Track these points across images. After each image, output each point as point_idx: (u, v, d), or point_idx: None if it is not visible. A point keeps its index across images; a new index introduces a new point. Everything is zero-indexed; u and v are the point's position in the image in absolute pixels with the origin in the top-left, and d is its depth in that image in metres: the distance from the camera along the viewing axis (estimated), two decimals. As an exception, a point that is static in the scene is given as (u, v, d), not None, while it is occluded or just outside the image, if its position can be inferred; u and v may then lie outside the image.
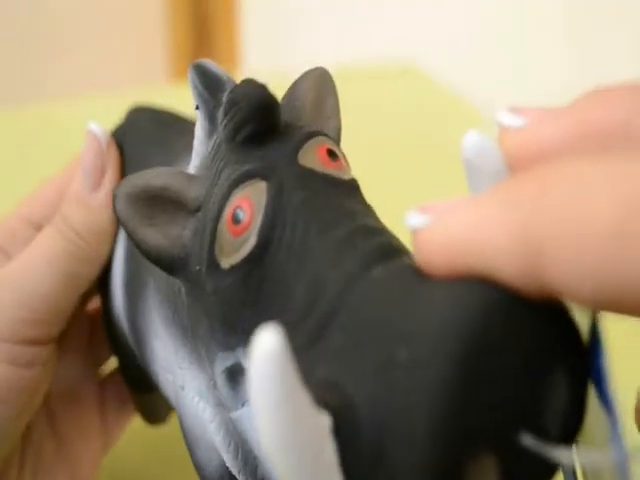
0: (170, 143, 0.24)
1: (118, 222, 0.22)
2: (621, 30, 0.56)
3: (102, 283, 0.25)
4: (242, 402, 0.18)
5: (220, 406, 0.19)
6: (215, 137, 0.18)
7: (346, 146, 0.20)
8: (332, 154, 0.17)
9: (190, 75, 0.19)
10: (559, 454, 0.13)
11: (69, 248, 0.23)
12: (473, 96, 0.61)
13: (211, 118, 0.18)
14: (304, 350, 0.14)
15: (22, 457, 0.25)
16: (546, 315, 0.13)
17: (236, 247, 0.16)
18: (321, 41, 0.95)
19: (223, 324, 0.17)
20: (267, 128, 0.17)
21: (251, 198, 0.16)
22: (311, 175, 0.17)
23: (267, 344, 0.12)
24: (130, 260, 0.23)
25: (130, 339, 0.24)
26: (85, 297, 0.26)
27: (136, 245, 0.18)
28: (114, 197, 0.18)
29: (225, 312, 0.16)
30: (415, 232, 0.14)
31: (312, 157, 0.17)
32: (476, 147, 0.15)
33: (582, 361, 0.14)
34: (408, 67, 0.67)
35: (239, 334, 0.16)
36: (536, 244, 0.12)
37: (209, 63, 0.19)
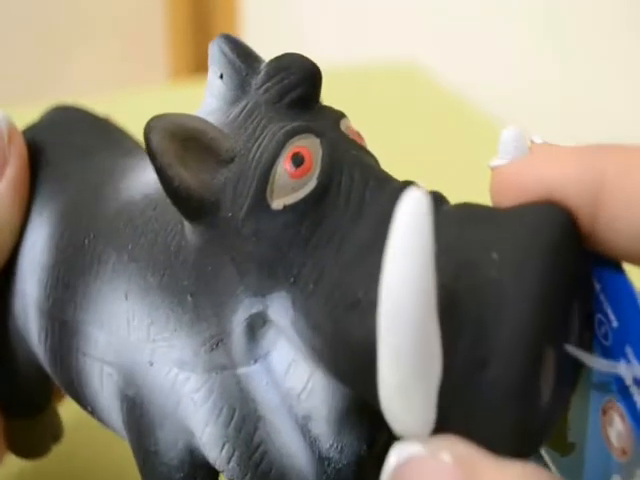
0: (100, 154, 0.24)
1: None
2: (623, 38, 0.56)
3: None
4: (255, 358, 0.18)
5: (212, 371, 0.18)
6: (245, 102, 0.18)
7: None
8: (358, 134, 0.19)
9: (217, 45, 0.19)
10: (593, 360, 0.15)
11: None
12: (473, 96, 0.61)
13: (241, 85, 0.18)
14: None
15: None
16: (583, 253, 0.15)
17: (295, 188, 0.16)
18: (321, 41, 0.95)
19: (261, 267, 0.17)
20: (313, 94, 0.18)
21: (309, 148, 0.17)
22: (353, 141, 0.18)
23: (421, 197, 0.13)
24: (62, 244, 0.22)
25: (40, 344, 0.22)
26: None
27: (166, 181, 0.17)
28: (150, 128, 0.17)
29: (266, 254, 0.17)
30: (495, 167, 0.16)
31: (346, 131, 0.18)
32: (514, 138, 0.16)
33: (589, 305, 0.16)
34: (408, 67, 0.67)
35: (279, 277, 0.16)
36: (599, 179, 0.14)
37: (236, 37, 0.19)
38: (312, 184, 0.16)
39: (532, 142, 0.16)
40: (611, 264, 0.15)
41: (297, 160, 0.17)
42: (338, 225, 0.16)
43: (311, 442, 0.17)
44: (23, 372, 0.24)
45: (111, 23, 1.31)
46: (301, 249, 0.16)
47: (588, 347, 0.16)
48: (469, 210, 0.16)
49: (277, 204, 0.17)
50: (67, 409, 0.28)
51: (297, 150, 0.17)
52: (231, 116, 0.18)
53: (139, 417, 0.19)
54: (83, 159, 0.23)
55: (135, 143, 0.25)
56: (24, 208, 0.23)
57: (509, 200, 0.15)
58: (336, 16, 0.96)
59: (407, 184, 0.16)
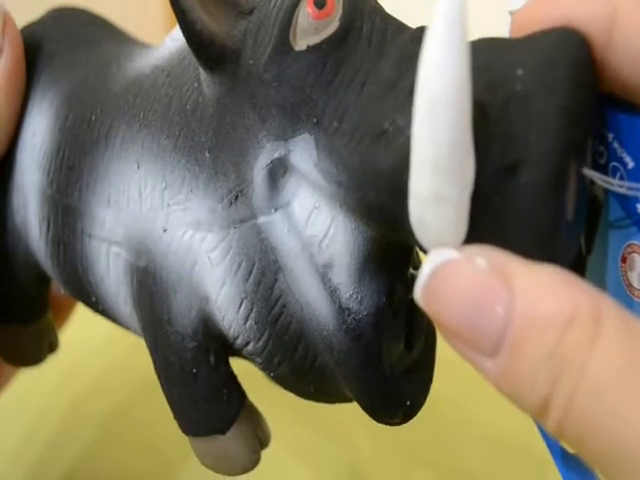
0: (104, 42, 0.23)
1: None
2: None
3: None
4: (276, 207, 0.17)
5: (231, 227, 0.18)
6: None
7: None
8: None
9: None
10: (609, 181, 0.15)
11: None
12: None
13: None
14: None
15: None
16: (597, 87, 0.15)
17: (318, 29, 0.17)
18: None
19: (283, 111, 0.17)
20: None
21: None
22: None
23: None
24: (66, 125, 0.21)
25: (40, 236, 0.22)
26: None
27: (189, 27, 0.17)
28: None
29: (289, 97, 0.17)
30: (515, 10, 0.16)
31: None
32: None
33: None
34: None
35: (301, 118, 0.17)
36: (613, 10, 0.14)
37: None
38: (335, 25, 0.17)
39: None
40: (623, 106, 0.15)
41: (319, 3, 0.17)
42: (361, 65, 0.16)
43: (331, 291, 0.17)
44: (20, 275, 0.24)
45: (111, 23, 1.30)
46: (324, 89, 0.16)
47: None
48: (490, 39, 0.16)
49: (300, 45, 0.17)
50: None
51: None
52: None
53: (151, 285, 0.19)
54: (87, 48, 0.23)
55: (133, 37, 0.25)
56: (19, 100, 0.22)
57: (534, 19, 0.16)
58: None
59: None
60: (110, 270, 0.20)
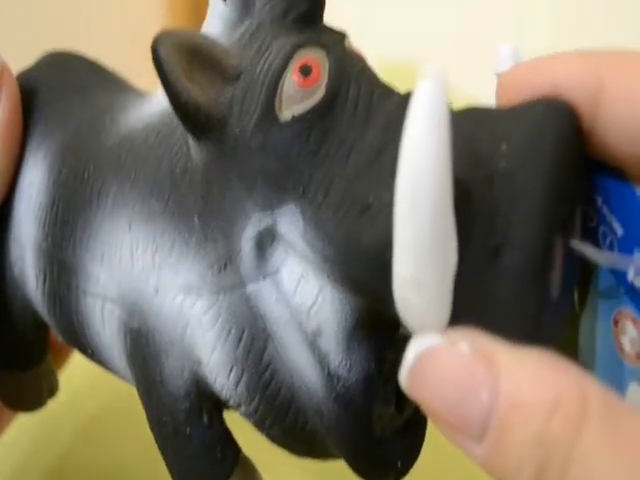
0: (98, 92, 0.23)
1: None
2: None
3: None
4: (265, 274, 0.18)
5: (220, 294, 0.18)
6: (249, 22, 0.18)
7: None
8: (361, 57, 0.19)
9: None
10: (598, 253, 0.15)
11: None
12: (473, 96, 0.61)
13: (245, 5, 0.18)
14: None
15: None
16: (584, 154, 0.15)
17: (304, 97, 0.16)
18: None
19: (269, 181, 0.17)
20: (317, 10, 0.18)
21: (316, 59, 0.17)
22: (357, 56, 0.18)
23: (440, 73, 0.13)
24: (60, 180, 0.21)
25: (36, 288, 0.22)
26: None
27: (174, 98, 0.17)
28: (157, 42, 0.17)
29: (275, 167, 0.16)
30: (500, 73, 0.16)
31: (350, 49, 0.18)
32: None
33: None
34: (408, 67, 0.67)
35: (288, 189, 0.16)
36: (600, 80, 0.14)
37: None
38: (320, 93, 0.17)
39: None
40: (612, 173, 0.15)
41: (305, 70, 0.17)
42: (346, 134, 0.16)
43: (320, 359, 0.17)
44: (18, 322, 0.24)
45: (111, 23, 1.31)
46: (310, 160, 0.16)
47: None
48: (475, 110, 0.16)
49: (285, 115, 0.17)
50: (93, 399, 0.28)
51: (305, 61, 0.17)
52: (236, 36, 0.18)
53: (144, 347, 0.19)
54: (80, 97, 0.23)
55: (131, 85, 0.25)
56: (16, 151, 0.22)
57: (515, 100, 0.16)
58: (336, 17, 0.96)
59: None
60: (105, 326, 0.20)
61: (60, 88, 0.24)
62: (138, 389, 0.20)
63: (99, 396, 0.33)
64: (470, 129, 0.15)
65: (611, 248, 0.16)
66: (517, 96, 0.16)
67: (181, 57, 0.17)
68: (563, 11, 0.63)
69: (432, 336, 0.14)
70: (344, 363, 0.17)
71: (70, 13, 1.28)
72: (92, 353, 0.21)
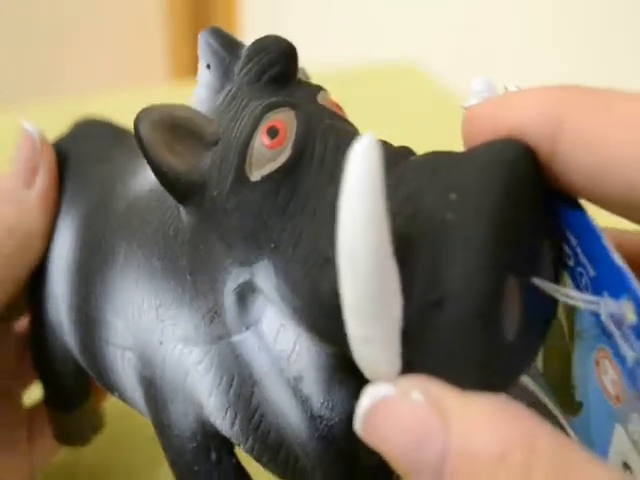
0: (116, 158, 0.25)
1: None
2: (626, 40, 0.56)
3: (33, 289, 0.25)
4: (247, 325, 0.19)
5: (213, 343, 0.19)
6: (229, 87, 0.19)
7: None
8: (338, 105, 0.20)
9: (204, 38, 0.20)
10: (563, 292, 0.15)
11: (1, 244, 0.23)
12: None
13: (226, 72, 0.20)
14: None
15: None
16: (545, 191, 0.16)
17: (271, 158, 0.17)
18: (321, 41, 0.95)
19: (245, 238, 0.18)
20: (290, 71, 0.19)
21: (283, 120, 0.18)
22: (328, 111, 0.19)
23: (370, 141, 0.13)
24: (84, 244, 0.23)
25: (71, 337, 0.24)
26: (9, 317, 0.26)
27: (156, 169, 0.18)
28: (138, 120, 0.18)
29: (249, 225, 0.17)
30: (467, 107, 0.17)
31: (324, 102, 0.19)
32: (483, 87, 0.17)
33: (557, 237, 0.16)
34: (408, 67, 0.67)
35: (262, 245, 0.17)
36: (558, 120, 0.15)
37: (222, 29, 0.21)
38: (287, 153, 0.17)
39: (506, 90, 0.17)
40: (584, 213, 0.16)
41: (272, 132, 0.17)
42: (313, 190, 0.17)
43: (302, 402, 0.18)
44: (60, 367, 0.26)
45: (112, 23, 1.31)
46: (279, 216, 0.17)
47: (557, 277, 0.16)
48: (434, 157, 0.16)
49: (255, 176, 0.17)
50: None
51: (272, 123, 0.18)
52: (217, 102, 0.19)
53: (154, 395, 0.20)
54: (102, 166, 0.25)
55: None
56: (53, 215, 0.24)
57: (477, 140, 0.16)
58: (336, 18, 0.96)
59: None
60: (126, 372, 0.22)
61: (87, 158, 0.26)
62: (155, 430, 0.21)
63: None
64: (425, 179, 0.15)
65: (586, 289, 0.16)
66: (480, 133, 0.16)
67: (161, 132, 0.18)
68: (563, 11, 0.63)
69: (385, 385, 0.14)
70: (326, 404, 0.18)
71: (70, 13, 1.28)
72: (119, 395, 0.23)
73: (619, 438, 0.15)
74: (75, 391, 0.27)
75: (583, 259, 0.16)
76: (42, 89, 1.16)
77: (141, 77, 1.29)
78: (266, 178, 0.17)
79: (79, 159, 0.26)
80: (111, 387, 0.23)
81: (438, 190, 0.15)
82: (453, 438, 0.13)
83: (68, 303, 0.24)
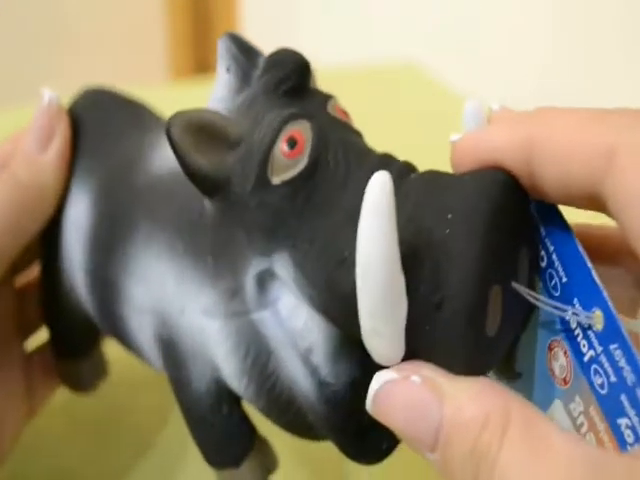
0: (131, 131, 0.28)
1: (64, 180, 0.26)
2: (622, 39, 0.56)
3: (46, 243, 0.28)
4: (265, 305, 0.21)
5: (234, 316, 0.22)
6: (247, 92, 0.22)
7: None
8: (345, 112, 0.22)
9: (224, 43, 0.22)
10: (540, 298, 0.18)
11: (15, 199, 0.25)
12: (473, 96, 0.61)
13: (245, 77, 0.22)
14: None
15: None
16: (527, 209, 0.19)
17: (290, 166, 0.20)
18: (321, 41, 0.95)
19: (265, 233, 0.20)
20: (303, 84, 0.21)
21: (301, 132, 0.20)
22: (338, 121, 0.21)
23: (385, 176, 0.16)
24: (102, 211, 0.26)
25: (85, 294, 0.26)
26: (14, 268, 0.28)
27: (186, 168, 0.20)
28: (170, 124, 0.20)
29: (269, 222, 0.20)
30: (453, 142, 0.19)
31: (333, 111, 0.21)
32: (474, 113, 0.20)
33: (536, 248, 0.19)
34: (408, 67, 0.67)
35: (280, 239, 0.20)
36: (529, 142, 0.18)
37: (240, 35, 0.23)
38: (304, 162, 0.20)
39: (491, 110, 0.20)
40: (564, 229, 0.19)
41: (291, 143, 0.20)
42: (327, 195, 0.20)
43: (312, 370, 0.21)
44: (72, 318, 0.29)
45: (112, 23, 1.31)
46: (297, 216, 0.20)
47: (534, 288, 0.19)
48: (432, 178, 0.19)
49: (276, 180, 0.20)
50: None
51: (291, 134, 0.20)
52: (237, 105, 0.21)
53: (173, 355, 0.23)
54: (118, 139, 0.27)
55: (157, 118, 0.29)
56: (67, 177, 0.27)
57: (465, 169, 0.19)
58: (336, 18, 0.96)
59: (383, 158, 0.20)
60: (143, 333, 0.25)
61: (101, 130, 0.28)
62: (171, 384, 0.24)
63: (97, 403, 0.33)
64: (426, 200, 0.18)
65: (555, 289, 0.19)
66: (467, 163, 0.19)
67: (190, 134, 0.20)
68: (563, 11, 0.63)
69: (389, 372, 0.18)
70: (332, 373, 0.21)
71: (70, 13, 1.28)
72: (135, 353, 0.26)
73: (555, 409, 0.19)
74: (84, 339, 0.30)
75: (558, 265, 0.19)
76: (41, 89, 1.15)
77: (141, 77, 1.29)
78: (286, 183, 0.20)
79: (93, 131, 0.28)
80: (127, 344, 0.26)
81: (438, 209, 0.18)
82: (446, 411, 0.16)
83: (83, 269, 0.26)
